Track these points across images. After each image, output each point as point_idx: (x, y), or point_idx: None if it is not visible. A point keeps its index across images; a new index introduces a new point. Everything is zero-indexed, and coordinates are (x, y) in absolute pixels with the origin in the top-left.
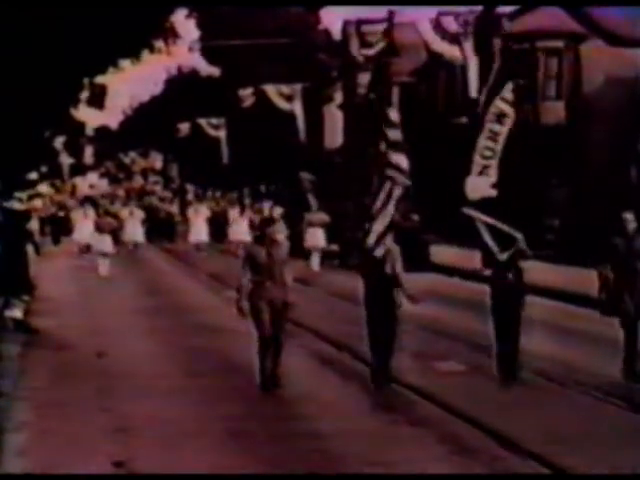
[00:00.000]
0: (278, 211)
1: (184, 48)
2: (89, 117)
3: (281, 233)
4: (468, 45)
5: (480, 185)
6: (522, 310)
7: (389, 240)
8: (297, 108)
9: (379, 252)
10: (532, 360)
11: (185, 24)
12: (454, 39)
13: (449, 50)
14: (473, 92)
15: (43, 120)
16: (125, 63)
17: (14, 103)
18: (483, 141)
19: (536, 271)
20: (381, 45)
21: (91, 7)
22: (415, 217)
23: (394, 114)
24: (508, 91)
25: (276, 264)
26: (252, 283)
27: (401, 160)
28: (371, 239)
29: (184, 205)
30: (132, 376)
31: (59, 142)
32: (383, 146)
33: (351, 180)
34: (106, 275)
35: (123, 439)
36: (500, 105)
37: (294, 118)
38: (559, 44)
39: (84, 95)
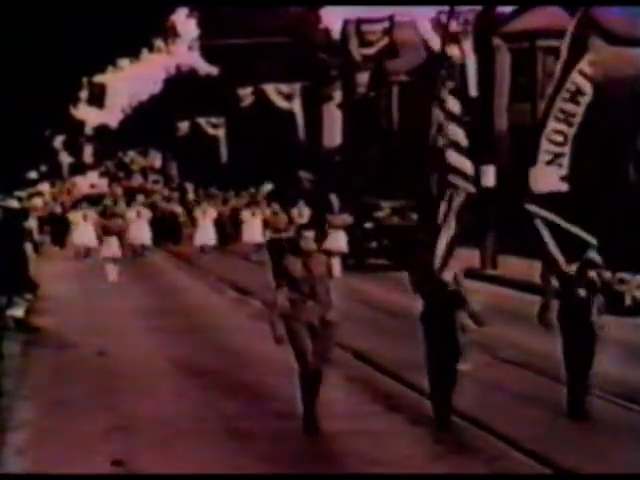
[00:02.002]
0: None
1: (184, 47)
2: (89, 116)
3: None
4: (467, 44)
5: (548, 176)
6: (597, 333)
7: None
8: (296, 107)
9: (447, 275)
10: (533, 359)
11: (185, 23)
12: (453, 38)
13: (448, 49)
14: (472, 91)
15: (43, 119)
16: (124, 62)
17: (14, 102)
18: (553, 123)
19: (535, 270)
20: (381, 44)
21: (91, 7)
22: (413, 216)
23: (453, 102)
24: (586, 64)
25: (316, 279)
26: (289, 302)
27: (462, 162)
28: (437, 260)
29: (184, 204)
30: (133, 375)
31: (59, 141)
32: (440, 142)
33: (351, 179)
34: (115, 281)
35: (123, 438)
36: (577, 80)
37: (293, 117)
38: (558, 43)
39: (84, 94)
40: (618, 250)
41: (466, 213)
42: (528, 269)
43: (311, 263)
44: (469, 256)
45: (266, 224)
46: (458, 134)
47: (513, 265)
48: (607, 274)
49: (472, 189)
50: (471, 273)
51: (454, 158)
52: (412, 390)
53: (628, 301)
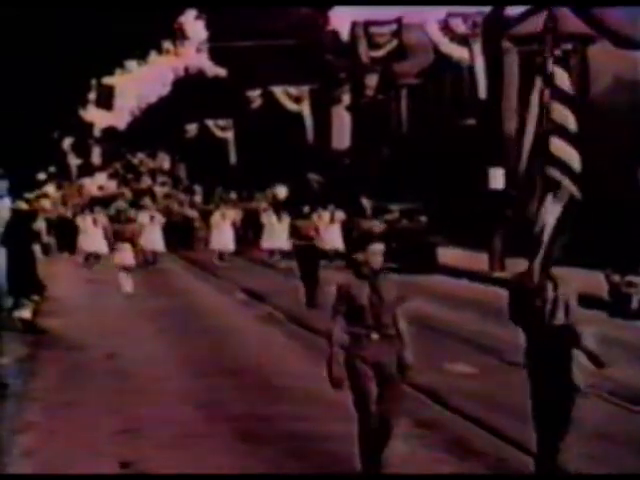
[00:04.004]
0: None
1: (192, 49)
2: (97, 118)
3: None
4: (477, 46)
5: None
6: None
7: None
8: (305, 109)
9: (540, 300)
10: None
11: (194, 25)
12: (462, 40)
13: (457, 51)
14: (482, 93)
15: (51, 121)
16: (132, 64)
17: (23, 104)
18: None
19: None
20: (389, 46)
21: (99, 9)
22: (422, 219)
23: (561, 75)
24: None
25: (386, 307)
26: (349, 335)
27: (568, 154)
28: (532, 278)
29: (192, 207)
30: (141, 377)
31: (67, 143)
32: (542, 126)
33: (359, 181)
34: (130, 292)
35: (131, 440)
36: None
37: (302, 119)
38: (567, 46)
39: (92, 96)
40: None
41: (567, 224)
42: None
43: (381, 286)
44: (477, 258)
45: (294, 229)
46: (566, 117)
47: (522, 267)
48: (616, 277)
49: (577, 192)
50: (479, 276)
51: (558, 147)
52: (419, 392)
53: (635, 304)
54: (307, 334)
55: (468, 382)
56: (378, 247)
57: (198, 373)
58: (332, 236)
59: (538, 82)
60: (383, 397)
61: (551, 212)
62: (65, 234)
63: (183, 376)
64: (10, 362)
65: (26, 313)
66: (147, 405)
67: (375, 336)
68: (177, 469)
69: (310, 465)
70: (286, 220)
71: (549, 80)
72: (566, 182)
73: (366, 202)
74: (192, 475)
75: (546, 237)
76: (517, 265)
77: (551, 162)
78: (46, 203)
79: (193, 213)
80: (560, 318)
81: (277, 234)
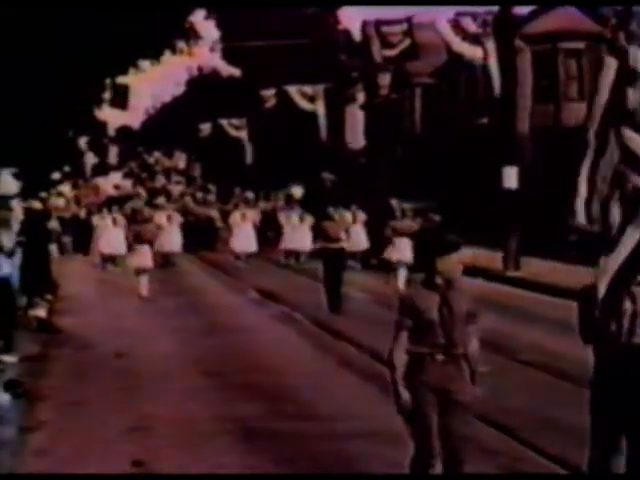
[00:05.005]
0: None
1: (206, 49)
2: (111, 117)
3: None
4: (489, 45)
5: None
6: None
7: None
8: (319, 108)
9: (615, 322)
10: (554, 361)
11: (206, 25)
12: (475, 40)
13: (469, 50)
14: (497, 92)
15: (66, 120)
16: (146, 64)
17: (38, 103)
18: None
19: (559, 272)
20: (402, 45)
21: (113, 9)
22: (436, 217)
23: None
24: None
25: (457, 321)
26: (409, 355)
27: None
28: (601, 290)
29: (209, 206)
30: (151, 376)
31: (83, 142)
32: (625, 129)
33: (375, 179)
34: (147, 295)
35: (142, 439)
36: None
37: (316, 118)
38: (579, 45)
39: (107, 95)
40: None
41: None
42: (552, 271)
43: (453, 298)
44: (492, 258)
45: (321, 231)
46: None
47: (537, 267)
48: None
49: None
50: (493, 275)
51: (635, 141)
52: None
53: None
54: (320, 333)
55: (480, 380)
56: (457, 255)
57: (208, 372)
58: (356, 237)
59: (609, 61)
60: (448, 428)
61: (630, 234)
62: (80, 234)
63: (193, 374)
64: (22, 360)
65: (41, 312)
66: (157, 404)
67: (440, 357)
68: (187, 468)
69: (319, 465)
70: (308, 221)
71: (622, 59)
72: None
73: (395, 203)
74: (199, 475)
75: (623, 254)
76: (532, 264)
77: (627, 159)
78: (59, 202)
79: (214, 213)
80: (635, 336)
81: (298, 235)
